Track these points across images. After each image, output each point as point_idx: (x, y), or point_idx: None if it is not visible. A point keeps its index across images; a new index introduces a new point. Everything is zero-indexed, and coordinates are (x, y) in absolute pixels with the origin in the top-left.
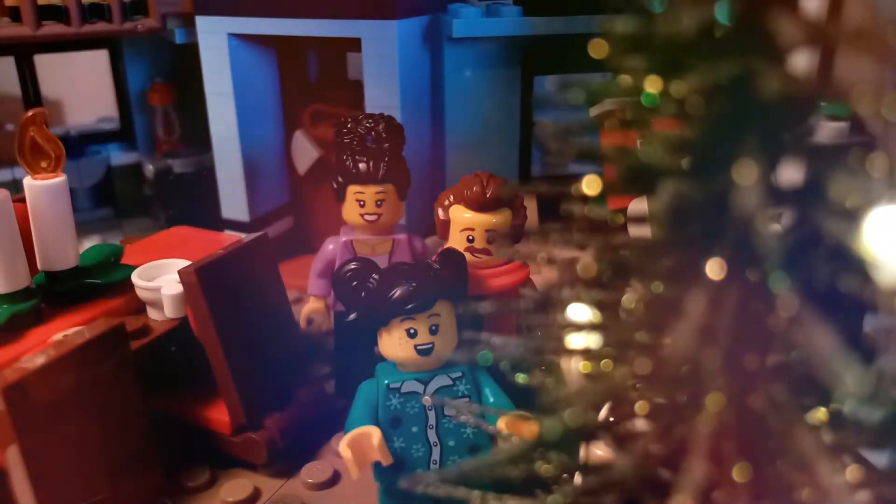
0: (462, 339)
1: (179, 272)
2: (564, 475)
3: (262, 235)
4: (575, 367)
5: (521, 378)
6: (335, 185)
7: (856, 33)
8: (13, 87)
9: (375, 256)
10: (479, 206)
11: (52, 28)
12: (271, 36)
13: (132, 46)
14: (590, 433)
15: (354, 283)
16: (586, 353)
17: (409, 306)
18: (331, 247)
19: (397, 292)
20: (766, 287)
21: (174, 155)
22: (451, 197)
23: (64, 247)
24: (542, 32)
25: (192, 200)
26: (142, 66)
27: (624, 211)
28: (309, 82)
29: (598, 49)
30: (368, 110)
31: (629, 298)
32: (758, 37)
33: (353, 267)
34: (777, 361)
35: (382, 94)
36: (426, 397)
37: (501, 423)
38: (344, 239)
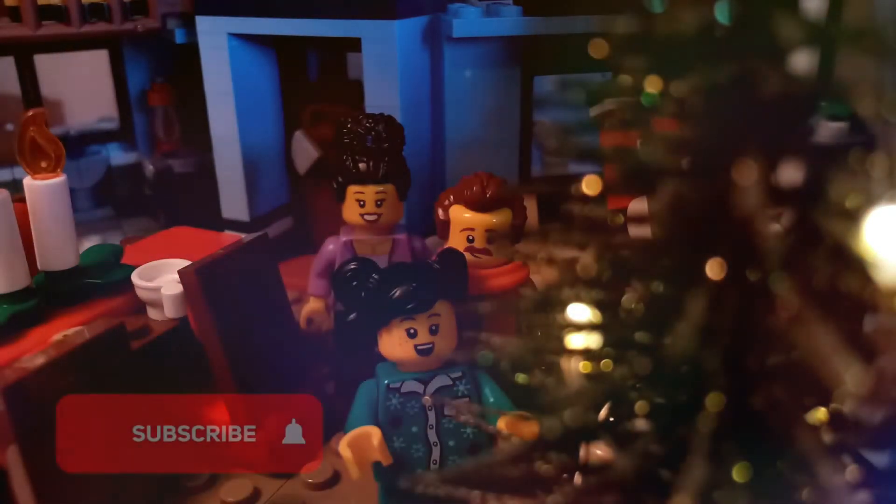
0: (462, 339)
1: (179, 272)
2: (564, 475)
3: (262, 235)
4: (575, 367)
5: (521, 378)
6: (335, 185)
7: (856, 33)
8: (13, 87)
9: (375, 256)
10: (479, 206)
11: (52, 28)
12: (271, 36)
13: (132, 46)
14: (590, 433)
15: (354, 283)
16: (586, 353)
17: (409, 306)
18: (331, 247)
19: (397, 292)
20: (766, 287)
21: (174, 155)
22: (451, 197)
23: (64, 247)
24: (542, 32)
25: (192, 200)
26: (142, 66)
27: (624, 211)
28: (309, 82)
29: (598, 49)
30: (368, 110)
31: (629, 298)
32: (758, 37)
33: (353, 267)
34: (777, 361)
35: (382, 94)
36: (426, 397)
37: (501, 423)
38: (344, 239)
